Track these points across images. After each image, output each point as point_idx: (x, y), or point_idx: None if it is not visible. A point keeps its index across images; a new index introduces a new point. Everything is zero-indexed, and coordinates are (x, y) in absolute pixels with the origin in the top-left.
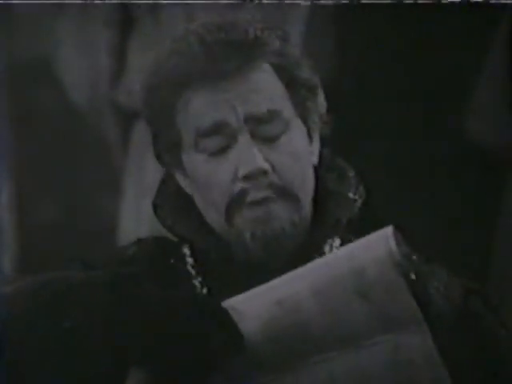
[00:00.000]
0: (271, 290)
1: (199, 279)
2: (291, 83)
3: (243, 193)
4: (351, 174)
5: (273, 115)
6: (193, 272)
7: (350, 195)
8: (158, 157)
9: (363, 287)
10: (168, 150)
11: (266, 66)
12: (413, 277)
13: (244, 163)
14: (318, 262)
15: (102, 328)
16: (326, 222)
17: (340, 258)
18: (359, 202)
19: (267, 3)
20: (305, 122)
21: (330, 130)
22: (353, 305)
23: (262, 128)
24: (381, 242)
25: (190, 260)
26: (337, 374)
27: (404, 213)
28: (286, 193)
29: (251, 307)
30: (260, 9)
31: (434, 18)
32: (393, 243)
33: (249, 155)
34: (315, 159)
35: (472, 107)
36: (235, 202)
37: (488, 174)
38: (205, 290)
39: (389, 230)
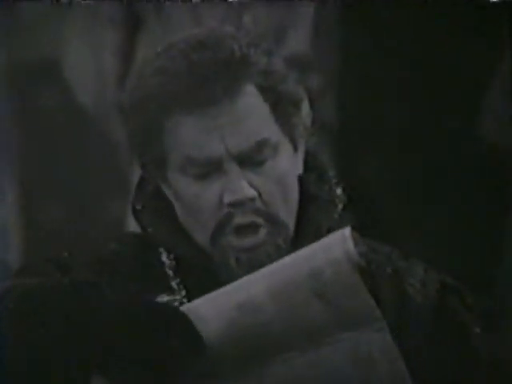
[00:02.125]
0: (231, 293)
1: (177, 281)
2: (277, 102)
3: (229, 216)
4: (331, 173)
5: (260, 145)
6: (170, 273)
7: (331, 200)
8: (143, 167)
9: (321, 288)
10: (153, 164)
11: (252, 89)
12: (389, 271)
13: (230, 191)
14: (276, 265)
15: (61, 335)
16: (306, 230)
17: (298, 259)
18: (339, 208)
19: (273, 2)
20: (291, 137)
21: (316, 139)
22: (311, 305)
23: (249, 157)
24: (338, 243)
25: (167, 261)
26: (298, 372)
27: (413, 213)
28: (272, 219)
29: (211, 310)
30: (265, 8)
31: (444, 15)
32: (350, 244)
33: (235, 184)
34: (300, 169)
35: (484, 107)
36: (221, 226)
37: (500, 174)
38: (183, 293)
39: (346, 231)
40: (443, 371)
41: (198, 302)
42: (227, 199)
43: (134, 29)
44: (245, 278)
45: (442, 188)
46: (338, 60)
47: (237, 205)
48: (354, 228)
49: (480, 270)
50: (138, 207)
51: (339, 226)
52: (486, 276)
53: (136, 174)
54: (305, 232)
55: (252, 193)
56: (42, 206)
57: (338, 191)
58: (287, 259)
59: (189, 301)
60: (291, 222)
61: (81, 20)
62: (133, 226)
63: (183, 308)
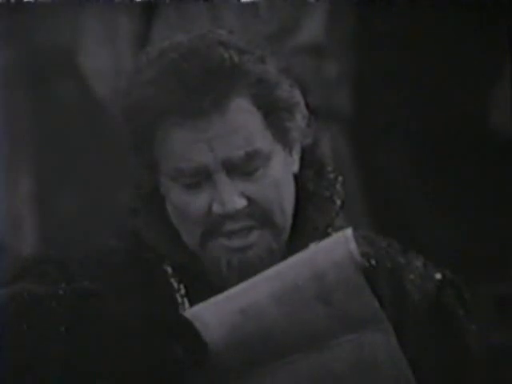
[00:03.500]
0: (233, 298)
1: (176, 278)
2: (270, 109)
3: (219, 224)
4: (329, 168)
5: (251, 156)
6: (169, 270)
7: (329, 196)
8: (138, 168)
9: (324, 291)
10: (146, 167)
11: (243, 99)
12: (388, 266)
13: (219, 203)
14: (278, 268)
15: (63, 343)
16: (303, 229)
17: (300, 263)
18: (338, 205)
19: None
20: (284, 142)
21: (312, 137)
22: (315, 309)
23: (239, 168)
24: (340, 245)
25: (166, 258)
26: (302, 376)
27: (426, 202)
28: (265, 221)
29: (214, 316)
30: (281, 4)
31: (457, 11)
32: (353, 245)
33: (224, 196)
34: (296, 168)
35: (496, 100)
36: (210, 232)
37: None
38: (183, 292)
39: (348, 233)
40: (440, 369)
41: (200, 307)
42: (216, 210)
43: (149, 16)
44: (247, 282)
45: (455, 178)
46: (353, 49)
47: (226, 216)
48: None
49: (492, 260)
50: (135, 207)
51: (338, 223)
52: (501, 265)
53: None
54: (302, 231)
55: (241, 203)
56: (56, 196)
57: (337, 186)
58: (289, 262)
59: (189, 299)
60: (287, 225)
61: (96, 8)
62: None
63: (186, 314)
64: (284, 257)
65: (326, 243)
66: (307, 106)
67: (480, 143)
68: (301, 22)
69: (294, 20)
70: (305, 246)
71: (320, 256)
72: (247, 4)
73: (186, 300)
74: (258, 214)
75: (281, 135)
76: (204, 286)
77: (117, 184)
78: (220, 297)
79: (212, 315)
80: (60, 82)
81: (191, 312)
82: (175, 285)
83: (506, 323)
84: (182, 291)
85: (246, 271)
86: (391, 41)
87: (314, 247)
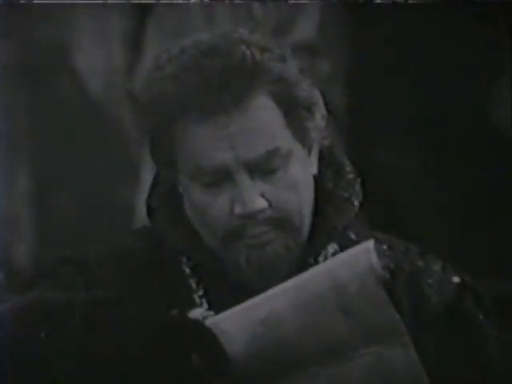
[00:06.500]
0: (254, 308)
1: (195, 279)
2: (290, 107)
3: (241, 228)
4: (348, 168)
5: (271, 154)
6: (187, 271)
7: (348, 197)
8: (157, 165)
9: (346, 303)
10: (164, 165)
11: (264, 97)
12: (407, 270)
13: (240, 203)
14: (299, 279)
15: (81, 353)
16: (323, 230)
17: (321, 273)
18: (356, 206)
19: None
20: (304, 142)
21: (330, 141)
22: (335, 320)
23: (260, 166)
24: (362, 256)
25: (183, 259)
26: None
27: (426, 201)
28: (283, 224)
29: (234, 326)
30: (274, 3)
31: (455, 8)
32: (374, 257)
33: (246, 196)
34: (314, 169)
35: (495, 95)
36: (232, 235)
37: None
38: (201, 292)
39: (370, 244)
40: (460, 374)
41: (220, 317)
42: (237, 211)
43: (143, 16)
44: (268, 293)
45: (455, 177)
46: (347, 47)
47: (247, 217)
48: (368, 220)
49: (492, 258)
50: (153, 206)
51: (355, 224)
52: (501, 264)
53: (146, 163)
54: (321, 231)
55: (263, 204)
56: (54, 195)
57: (356, 187)
58: (310, 273)
59: (207, 300)
60: (304, 226)
61: (91, 9)
62: (144, 214)
63: (208, 322)
64: (301, 256)
65: (347, 254)
66: (326, 106)
67: (480, 141)
68: (294, 21)
69: (287, 19)
70: (323, 245)
71: (341, 267)
72: (240, 4)
73: (204, 301)
74: (277, 220)
75: (301, 135)
76: (223, 286)
77: (114, 181)
78: (240, 307)
79: (232, 325)
80: (56, 81)
81: (211, 321)
82: (193, 286)
83: (506, 322)
84: (201, 292)
85: (265, 267)
86: (386, 39)
87: (335, 258)
